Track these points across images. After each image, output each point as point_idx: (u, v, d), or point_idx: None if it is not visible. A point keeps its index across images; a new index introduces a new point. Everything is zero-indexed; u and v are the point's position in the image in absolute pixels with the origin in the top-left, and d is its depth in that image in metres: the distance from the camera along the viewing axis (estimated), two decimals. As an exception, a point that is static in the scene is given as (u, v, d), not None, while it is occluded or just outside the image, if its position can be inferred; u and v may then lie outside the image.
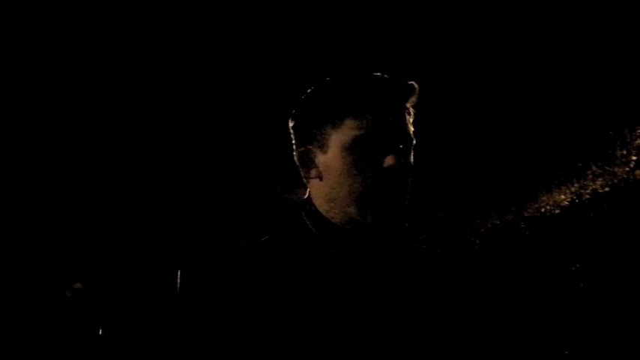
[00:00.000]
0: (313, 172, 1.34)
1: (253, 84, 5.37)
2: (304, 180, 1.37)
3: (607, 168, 5.09)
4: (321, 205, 1.34)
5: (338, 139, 1.30)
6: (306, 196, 1.38)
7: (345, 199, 1.29)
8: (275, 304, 1.26)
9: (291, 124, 1.37)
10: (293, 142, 1.37)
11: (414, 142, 1.35)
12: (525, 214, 5.75)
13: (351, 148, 1.28)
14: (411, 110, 1.34)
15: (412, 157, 1.34)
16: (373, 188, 1.26)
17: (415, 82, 1.32)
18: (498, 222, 5.94)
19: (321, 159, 1.32)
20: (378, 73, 1.34)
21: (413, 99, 1.33)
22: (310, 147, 1.34)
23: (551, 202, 5.50)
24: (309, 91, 1.36)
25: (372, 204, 1.27)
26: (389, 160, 1.27)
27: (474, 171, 6.31)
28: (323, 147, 1.32)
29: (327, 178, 1.32)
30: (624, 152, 4.99)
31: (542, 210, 5.63)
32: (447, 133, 6.10)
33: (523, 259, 5.08)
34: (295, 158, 1.36)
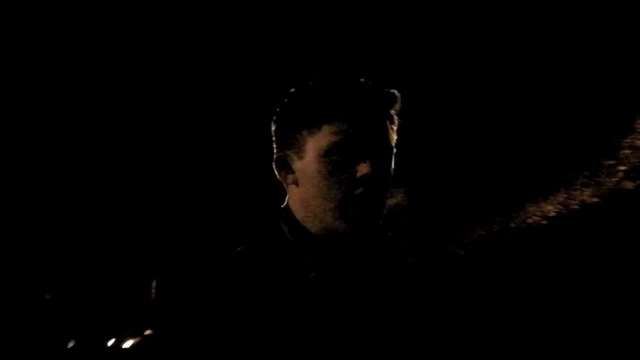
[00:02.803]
0: (290, 177, 1.34)
1: (236, 85, 5.36)
2: (283, 185, 1.37)
3: (595, 178, 5.13)
4: (298, 212, 1.34)
5: (314, 144, 1.30)
6: (284, 204, 1.38)
7: (320, 206, 1.29)
8: (250, 316, 1.25)
9: (273, 128, 1.38)
10: (274, 146, 1.38)
11: (395, 150, 1.35)
12: (512, 225, 5.78)
13: (327, 155, 1.28)
14: (395, 118, 1.35)
15: (392, 165, 1.34)
16: (348, 197, 1.26)
17: (401, 88, 1.33)
18: (484, 232, 5.96)
19: (298, 165, 1.33)
20: (362, 79, 1.35)
21: (396, 107, 1.34)
22: (288, 152, 1.34)
23: (538, 213, 5.53)
24: (290, 94, 1.37)
25: (347, 213, 1.27)
26: (363, 169, 1.27)
27: (459, 181, 6.34)
28: (300, 152, 1.32)
29: (304, 185, 1.32)
30: (612, 162, 5.04)
31: (530, 220, 5.66)
32: (433, 141, 6.13)
33: (509, 270, 5.10)
34: (273, 163, 1.37)
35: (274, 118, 1.38)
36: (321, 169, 1.29)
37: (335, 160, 1.28)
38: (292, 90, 1.37)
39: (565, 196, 5.48)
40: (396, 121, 1.35)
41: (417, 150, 5.73)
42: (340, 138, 1.28)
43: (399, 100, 1.33)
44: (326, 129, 1.29)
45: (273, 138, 1.39)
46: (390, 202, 1.37)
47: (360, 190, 1.27)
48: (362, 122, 1.30)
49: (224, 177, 5.71)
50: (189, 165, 5.57)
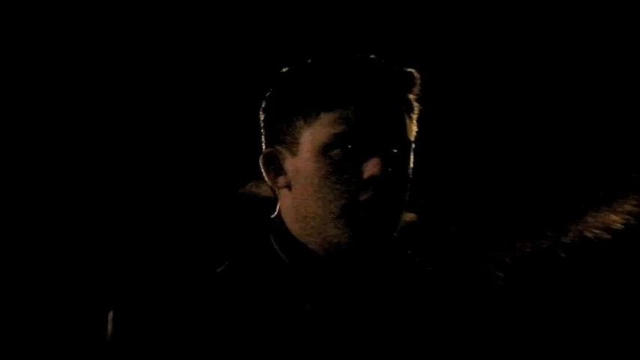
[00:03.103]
0: (281, 179, 1.34)
1: (213, 64, 5.39)
2: (273, 189, 1.38)
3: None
4: (291, 224, 1.33)
5: (311, 137, 1.29)
6: (275, 213, 1.38)
7: (319, 216, 1.28)
8: (232, 356, 1.25)
9: (261, 118, 1.38)
10: (262, 140, 1.39)
11: (413, 145, 1.35)
12: (566, 239, 5.79)
13: (328, 150, 1.28)
14: (414, 105, 1.35)
15: (410, 164, 1.34)
16: (354, 203, 1.25)
17: (422, 66, 1.33)
18: (531, 249, 5.98)
19: (290, 163, 1.32)
20: (371, 56, 1.35)
21: (415, 90, 1.34)
22: (278, 147, 1.34)
23: (599, 224, 5.54)
24: (282, 75, 1.37)
25: (353, 223, 1.26)
26: (372, 168, 1.26)
27: (498, 182, 6.36)
28: (293, 147, 1.32)
29: (298, 189, 1.31)
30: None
31: (588, 234, 5.67)
32: (465, 133, 6.14)
33: (564, 296, 5.11)
34: (260, 162, 1.37)
35: (263, 104, 1.38)
36: (320, 169, 1.28)
37: (337, 157, 1.27)
38: (284, 69, 1.37)
39: (635, 202, 5.50)
40: (416, 109, 1.35)
41: (444, 145, 5.73)
42: (344, 129, 1.28)
43: (419, 81, 1.33)
44: (326, 117, 1.28)
45: (262, 130, 1.39)
46: (407, 217, 1.37)
47: (368, 195, 1.27)
48: (371, 109, 1.29)
49: (196, 177, 5.74)
50: (151, 159, 5.61)
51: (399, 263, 1.32)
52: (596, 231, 5.71)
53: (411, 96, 1.36)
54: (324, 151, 1.29)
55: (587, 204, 6.27)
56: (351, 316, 1.26)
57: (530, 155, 6.44)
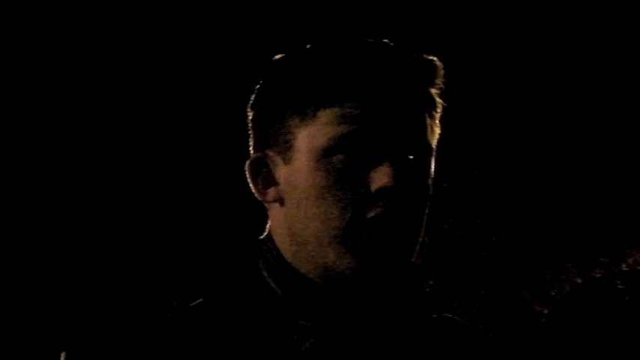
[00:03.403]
0: (271, 192, 1.31)
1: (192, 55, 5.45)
2: (263, 203, 1.35)
3: None
4: (283, 245, 1.31)
5: (308, 140, 1.26)
6: (264, 234, 1.37)
7: (317, 237, 1.26)
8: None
9: (249, 116, 1.35)
10: (250, 143, 1.36)
11: (435, 151, 1.32)
12: (625, 267, 5.81)
13: (327, 155, 1.24)
14: (437, 102, 1.32)
15: (431, 174, 1.32)
16: (359, 221, 1.23)
17: (447, 55, 1.31)
18: (580, 279, 6.00)
19: (283, 171, 1.29)
20: (384, 40, 1.33)
21: (438, 83, 1.31)
22: (269, 152, 1.31)
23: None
24: (274, 63, 1.35)
25: (358, 247, 1.24)
26: (382, 177, 1.23)
27: (539, 196, 6.40)
28: (286, 152, 1.29)
29: (292, 203, 1.29)
30: None
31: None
32: (499, 138, 6.18)
33: (620, 340, 5.11)
34: (246, 169, 1.34)
35: (252, 101, 1.37)
36: (319, 178, 1.26)
37: (340, 164, 1.25)
38: (277, 57, 1.36)
39: None
40: (439, 107, 1.32)
41: (473, 151, 5.74)
42: (347, 129, 1.25)
43: (443, 72, 1.31)
44: (325, 115, 1.26)
45: (250, 131, 1.37)
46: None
47: (377, 212, 1.24)
48: (382, 105, 1.27)
49: (169, 190, 5.79)
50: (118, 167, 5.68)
51: (414, 299, 1.30)
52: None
53: (433, 90, 1.34)
54: (324, 156, 1.25)
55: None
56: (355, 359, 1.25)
57: (583, 167, 6.46)
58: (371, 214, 1.25)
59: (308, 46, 1.36)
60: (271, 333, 1.28)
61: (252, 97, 1.38)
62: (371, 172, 1.26)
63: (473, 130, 5.72)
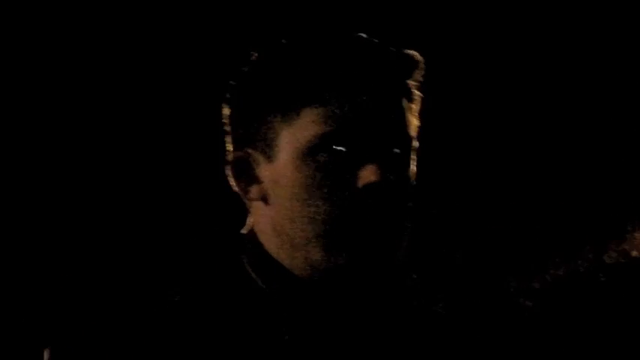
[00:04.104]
0: (254, 190, 1.31)
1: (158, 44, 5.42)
2: (243, 200, 1.35)
3: None
4: (268, 242, 1.32)
5: (291, 138, 1.27)
6: (247, 229, 1.38)
7: (302, 233, 1.26)
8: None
9: (225, 113, 1.36)
10: (227, 141, 1.36)
11: (417, 144, 1.33)
12: (608, 260, 5.83)
13: (312, 153, 1.25)
14: (415, 94, 1.33)
15: (414, 167, 1.33)
16: (344, 217, 1.24)
17: (425, 48, 1.31)
18: (564, 272, 6.02)
19: (266, 170, 1.30)
20: (361, 34, 1.33)
21: (417, 76, 1.32)
22: (250, 151, 1.31)
23: (631, 248, 5.60)
24: (252, 59, 1.35)
25: (344, 242, 1.24)
26: (367, 174, 1.24)
27: (522, 190, 6.41)
28: (269, 151, 1.29)
29: (276, 201, 1.29)
30: None
31: (635, 253, 5.71)
32: (475, 128, 6.20)
33: (603, 332, 5.14)
34: (228, 168, 1.35)
35: (227, 96, 1.37)
36: (303, 176, 1.26)
37: (324, 162, 1.26)
38: (254, 53, 1.36)
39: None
40: (418, 100, 1.33)
41: (452, 144, 5.75)
42: (331, 127, 1.26)
43: (422, 66, 1.31)
44: (309, 113, 1.27)
45: (227, 128, 1.37)
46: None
47: (364, 208, 1.25)
48: (365, 101, 1.28)
49: (149, 184, 5.78)
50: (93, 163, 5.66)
51: (397, 293, 1.31)
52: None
53: (412, 83, 1.34)
54: (308, 154, 1.25)
55: (635, 217, 6.31)
56: (337, 354, 1.25)
57: (564, 159, 6.48)
58: (357, 211, 1.26)
59: (283, 41, 1.36)
60: (254, 327, 1.28)
61: (228, 93, 1.38)
62: (357, 169, 1.27)
63: (455, 123, 5.74)
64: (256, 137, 1.29)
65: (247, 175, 1.31)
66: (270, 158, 1.28)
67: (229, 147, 1.36)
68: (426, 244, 5.79)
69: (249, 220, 1.38)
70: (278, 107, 1.27)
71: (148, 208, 5.47)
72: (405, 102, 1.30)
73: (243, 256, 1.34)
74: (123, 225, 5.40)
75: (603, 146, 6.19)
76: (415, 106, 1.33)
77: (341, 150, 1.23)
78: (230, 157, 1.34)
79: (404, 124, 1.28)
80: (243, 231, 1.38)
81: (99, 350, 1.26)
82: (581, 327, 5.24)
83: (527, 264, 6.30)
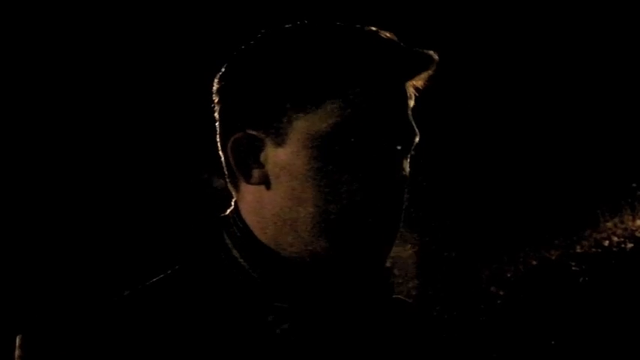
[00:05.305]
0: (257, 173, 1.23)
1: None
2: (231, 183, 1.30)
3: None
4: (259, 227, 1.25)
5: (306, 125, 1.21)
6: (231, 212, 1.33)
7: (309, 221, 1.20)
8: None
9: (216, 86, 1.29)
10: (218, 117, 1.29)
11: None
12: (580, 249, 5.87)
13: (328, 142, 1.20)
14: (411, 91, 1.31)
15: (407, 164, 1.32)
16: (358, 211, 1.19)
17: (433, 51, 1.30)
18: (535, 261, 6.07)
19: (272, 153, 1.21)
20: (373, 28, 1.30)
21: (425, 75, 1.30)
22: (255, 132, 1.25)
23: (620, 231, 5.64)
24: (262, 39, 1.30)
25: (352, 235, 1.20)
26: (389, 168, 1.21)
27: (494, 182, 6.48)
28: (279, 135, 1.23)
29: (280, 186, 1.22)
30: None
31: (606, 243, 5.76)
32: (458, 126, 6.25)
33: (575, 320, 5.18)
34: (227, 146, 1.26)
35: (225, 71, 1.31)
36: (315, 165, 1.20)
37: (338, 152, 1.22)
38: (263, 31, 1.31)
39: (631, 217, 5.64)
40: (413, 95, 1.32)
41: (438, 145, 5.79)
42: (350, 117, 1.22)
43: (435, 64, 1.28)
44: (329, 105, 1.23)
45: (218, 103, 1.30)
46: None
47: (378, 202, 1.21)
48: (382, 93, 1.25)
49: (127, 166, 5.80)
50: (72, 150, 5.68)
51: (382, 282, 1.29)
52: (617, 239, 5.80)
53: (419, 83, 1.33)
54: (324, 142, 1.21)
55: (606, 207, 6.36)
56: (330, 345, 1.21)
57: (534, 151, 6.54)
58: (370, 205, 1.24)
59: (298, 23, 1.33)
60: (243, 314, 1.24)
61: (226, 69, 1.33)
62: (374, 162, 1.25)
63: (433, 120, 5.81)
64: (264, 121, 1.24)
65: (249, 156, 1.25)
66: (278, 142, 1.21)
67: (219, 125, 1.31)
68: (400, 236, 5.82)
69: (235, 205, 1.34)
70: (296, 97, 1.23)
71: (129, 194, 5.50)
72: (411, 99, 1.29)
73: (226, 239, 1.31)
74: (102, 208, 5.43)
75: (575, 139, 6.26)
76: (410, 102, 1.32)
77: (354, 141, 1.22)
78: (229, 136, 1.28)
79: (412, 118, 1.27)
80: (226, 214, 1.34)
81: (75, 336, 1.21)
82: (554, 314, 5.28)
83: (500, 254, 6.34)
